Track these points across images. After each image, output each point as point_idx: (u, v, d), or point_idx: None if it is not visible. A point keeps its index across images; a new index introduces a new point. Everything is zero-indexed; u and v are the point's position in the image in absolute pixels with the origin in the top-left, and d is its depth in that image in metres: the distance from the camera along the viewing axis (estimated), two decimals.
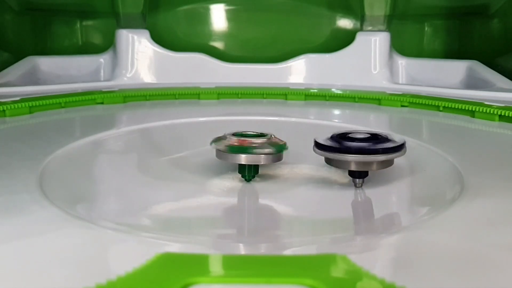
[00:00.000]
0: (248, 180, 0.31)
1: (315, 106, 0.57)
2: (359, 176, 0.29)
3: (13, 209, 0.24)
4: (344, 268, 0.18)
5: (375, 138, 0.29)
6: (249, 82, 0.65)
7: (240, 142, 0.30)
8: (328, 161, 0.30)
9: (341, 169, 0.31)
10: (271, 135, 0.31)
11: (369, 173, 0.30)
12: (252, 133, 0.31)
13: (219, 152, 0.30)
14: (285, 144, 0.30)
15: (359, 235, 0.24)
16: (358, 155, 0.28)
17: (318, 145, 0.29)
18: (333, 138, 0.29)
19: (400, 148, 0.29)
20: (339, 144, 0.29)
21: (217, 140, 0.30)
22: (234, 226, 0.26)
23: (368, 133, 0.30)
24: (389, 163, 0.29)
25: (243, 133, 0.31)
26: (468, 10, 0.74)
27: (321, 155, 0.29)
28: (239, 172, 0.31)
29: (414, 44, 0.77)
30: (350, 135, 0.29)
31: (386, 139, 0.29)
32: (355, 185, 0.30)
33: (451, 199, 0.27)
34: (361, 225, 0.26)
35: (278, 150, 0.30)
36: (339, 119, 0.53)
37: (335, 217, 0.27)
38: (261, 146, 0.29)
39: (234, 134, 0.31)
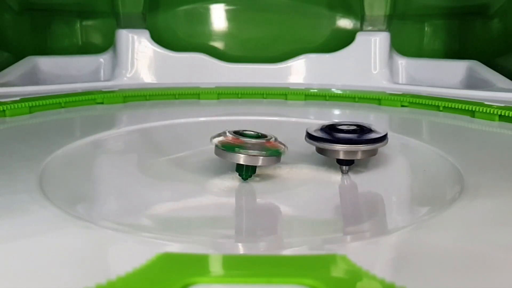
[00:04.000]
0: (245, 179, 0.31)
1: (315, 106, 0.57)
2: (346, 163, 0.32)
3: (13, 209, 0.24)
4: (344, 268, 0.18)
5: (360, 129, 0.32)
6: (249, 82, 0.65)
7: (233, 140, 0.30)
8: (319, 150, 0.32)
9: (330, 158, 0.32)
10: (271, 138, 0.31)
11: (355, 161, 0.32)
12: (253, 133, 0.31)
13: (216, 149, 0.30)
14: (278, 149, 0.30)
15: (359, 235, 0.24)
16: (346, 145, 0.30)
17: (309, 136, 0.32)
18: (323, 129, 0.32)
19: (383, 138, 0.31)
20: (329, 135, 0.31)
21: (217, 136, 0.31)
22: (234, 226, 0.26)
23: (354, 125, 0.32)
24: (373, 152, 0.32)
25: (245, 132, 0.31)
26: (468, 10, 0.74)
27: (313, 144, 0.32)
28: (237, 171, 0.31)
29: (414, 44, 0.77)
30: (338, 126, 0.32)
31: (370, 130, 0.32)
32: (342, 172, 0.32)
33: (451, 199, 0.27)
34: (361, 225, 0.26)
35: (270, 153, 0.30)
36: (339, 119, 0.53)
37: (335, 217, 0.27)
38: (252, 147, 0.29)
39: (235, 132, 0.31)
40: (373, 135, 0.31)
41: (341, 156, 0.31)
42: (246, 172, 0.30)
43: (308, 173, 0.34)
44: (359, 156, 0.31)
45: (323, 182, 0.33)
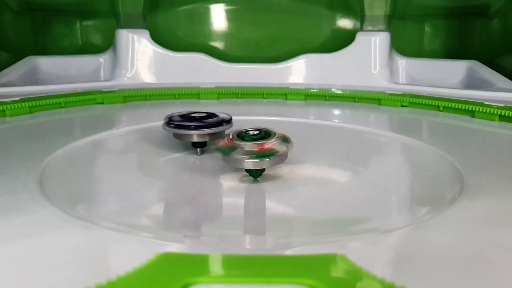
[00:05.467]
0: (255, 177, 0.31)
1: (315, 106, 0.57)
2: (199, 146, 0.37)
3: (13, 209, 0.24)
4: (344, 268, 0.18)
5: (209, 116, 0.37)
6: (249, 82, 0.65)
7: (228, 143, 0.30)
8: (176, 136, 0.36)
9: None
10: (273, 137, 0.31)
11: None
12: (256, 133, 0.31)
13: (228, 158, 0.30)
14: (271, 152, 0.30)
15: (359, 235, 0.24)
16: (197, 130, 0.35)
17: (167, 124, 0.36)
18: (180, 117, 0.37)
19: (227, 122, 0.36)
20: (183, 123, 0.36)
21: (227, 148, 0.30)
22: (234, 226, 0.26)
23: (205, 113, 0.37)
24: (220, 134, 0.36)
25: (247, 132, 0.31)
26: (468, 10, 0.74)
27: (169, 131, 0.36)
28: (246, 171, 0.31)
29: (414, 44, 0.77)
30: (191, 114, 0.37)
31: (217, 117, 0.37)
32: (197, 154, 0.37)
33: (451, 199, 0.27)
34: (361, 225, 0.26)
35: (256, 157, 0.29)
36: (339, 119, 0.53)
37: (335, 217, 0.27)
38: (243, 151, 0.29)
39: (238, 134, 0.31)
40: (219, 121, 0.36)
41: (195, 139, 0.35)
42: (256, 172, 0.31)
43: (309, 173, 0.34)
44: (207, 138, 0.35)
45: (324, 182, 0.33)
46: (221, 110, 0.54)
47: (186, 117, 0.37)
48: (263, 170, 0.31)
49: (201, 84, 0.63)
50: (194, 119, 0.36)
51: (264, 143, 0.30)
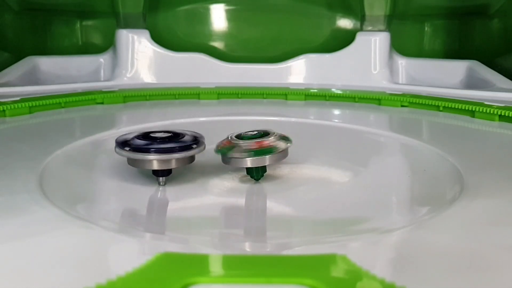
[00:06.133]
0: (257, 179, 0.31)
1: (315, 106, 0.57)
2: (162, 174, 0.29)
3: (13, 209, 0.24)
4: (344, 268, 0.18)
5: (174, 136, 0.29)
6: (249, 82, 0.65)
7: (226, 144, 0.30)
8: (131, 162, 0.29)
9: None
10: (271, 136, 0.31)
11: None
12: (254, 133, 0.31)
13: (227, 158, 0.30)
14: (270, 149, 0.30)
15: (359, 235, 0.24)
16: (160, 154, 0.27)
17: (120, 147, 0.29)
18: (136, 137, 0.29)
19: (199, 144, 0.29)
20: (142, 145, 0.28)
21: (225, 148, 0.30)
22: (234, 226, 0.26)
23: (168, 132, 0.30)
24: (191, 159, 0.29)
25: (246, 133, 0.31)
26: (468, 10, 0.74)
27: (123, 156, 0.28)
28: (248, 173, 0.31)
29: (414, 44, 0.77)
30: (151, 134, 0.29)
31: (184, 136, 0.29)
32: (159, 184, 0.30)
33: (451, 199, 0.27)
34: (361, 225, 0.26)
35: (255, 154, 0.29)
36: (339, 119, 0.53)
37: (335, 217, 0.27)
38: (242, 149, 0.29)
39: (238, 136, 0.31)
40: (189, 142, 0.29)
41: (156, 167, 0.28)
42: (257, 173, 0.30)
43: (309, 173, 0.34)
44: (173, 165, 0.28)
45: (324, 182, 0.33)
46: (221, 110, 0.54)
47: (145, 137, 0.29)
48: (264, 171, 0.31)
49: (201, 84, 0.63)
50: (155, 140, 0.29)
51: (263, 140, 0.30)
